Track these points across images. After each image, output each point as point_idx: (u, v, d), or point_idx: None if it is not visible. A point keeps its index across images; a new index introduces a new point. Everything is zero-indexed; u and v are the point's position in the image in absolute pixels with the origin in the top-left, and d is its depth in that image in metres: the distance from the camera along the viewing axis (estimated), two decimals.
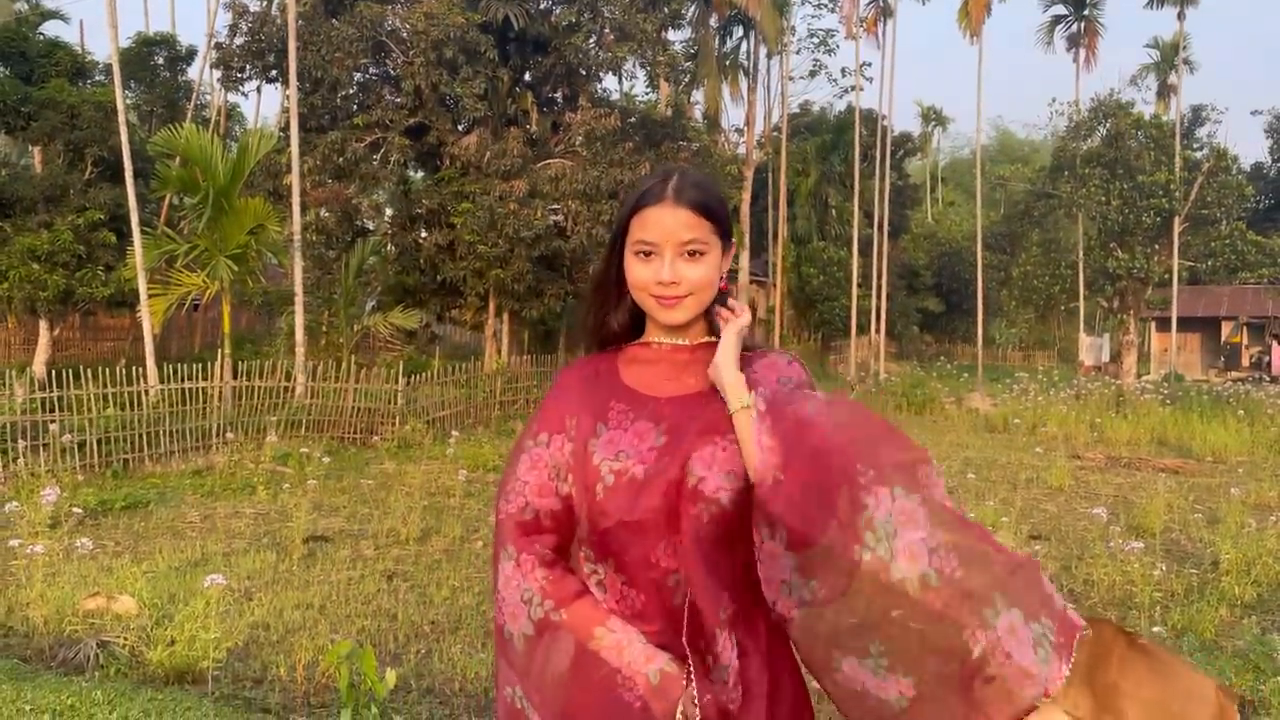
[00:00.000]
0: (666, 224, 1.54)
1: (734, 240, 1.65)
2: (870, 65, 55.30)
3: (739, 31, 33.33)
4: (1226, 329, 36.72)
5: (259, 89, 34.53)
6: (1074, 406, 18.35)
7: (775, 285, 32.86)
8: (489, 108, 19.13)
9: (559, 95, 21.23)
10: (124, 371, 11.11)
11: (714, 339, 1.64)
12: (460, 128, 19.92)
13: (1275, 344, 34.03)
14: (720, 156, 26.88)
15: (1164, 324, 33.13)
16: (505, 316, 20.24)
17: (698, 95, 33.09)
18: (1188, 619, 5.43)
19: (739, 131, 35.87)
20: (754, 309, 34.30)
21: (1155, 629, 5.18)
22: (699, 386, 1.59)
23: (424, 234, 19.77)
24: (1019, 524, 7.98)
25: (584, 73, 20.37)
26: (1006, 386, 22.30)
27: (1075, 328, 33.88)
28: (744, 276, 31.37)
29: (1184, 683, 1.95)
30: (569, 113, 19.95)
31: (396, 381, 13.40)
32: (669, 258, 1.55)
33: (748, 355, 1.62)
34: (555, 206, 18.59)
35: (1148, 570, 5.89)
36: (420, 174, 22.33)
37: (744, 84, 34.03)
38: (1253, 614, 5.70)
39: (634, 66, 21.53)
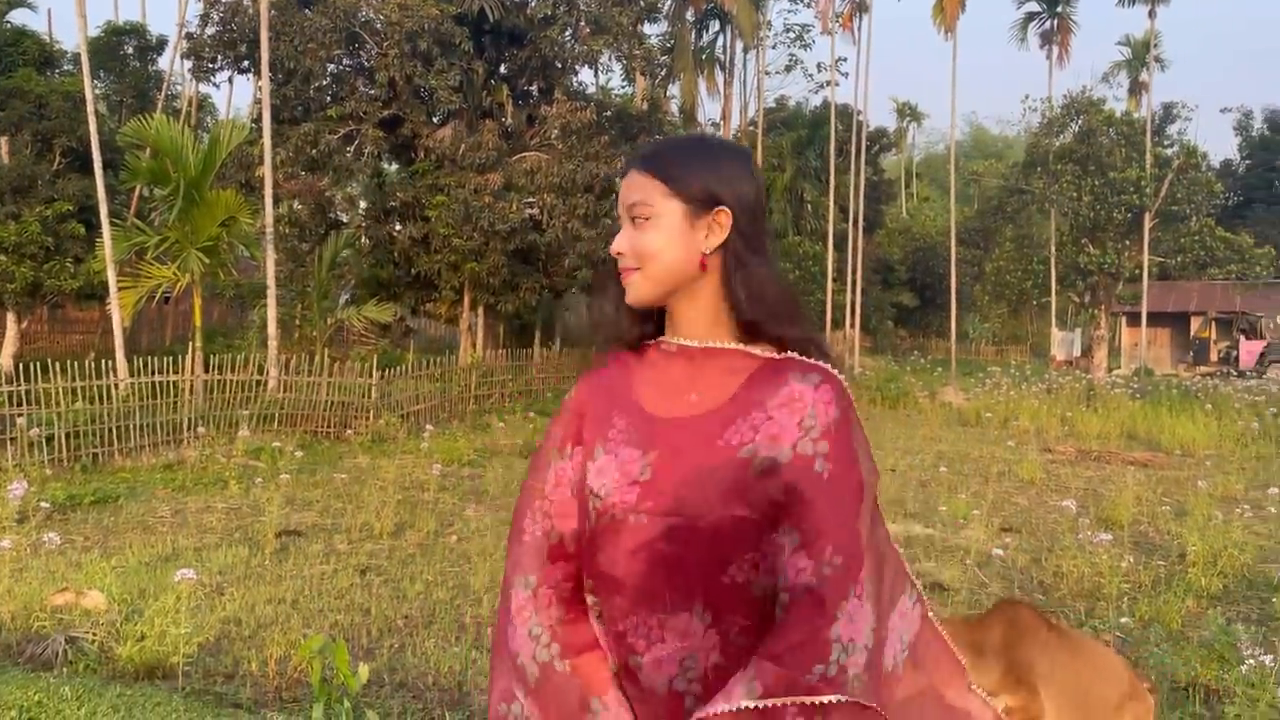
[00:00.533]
0: (622, 192, 1.38)
1: (725, 205, 1.34)
2: (846, 60, 55.65)
3: (715, 25, 33.38)
4: (1195, 324, 37.21)
5: (231, 80, 34.15)
6: (1045, 400, 18.53)
7: None
8: (464, 100, 19.04)
9: (534, 88, 21.16)
10: (93, 365, 10.98)
11: (733, 345, 1.37)
12: (435, 120, 19.82)
13: (1243, 339, 34.51)
14: None
15: (1134, 319, 33.53)
16: (480, 310, 20.17)
17: (674, 89, 33.10)
18: (1155, 610, 5.50)
19: (715, 125, 35.90)
20: None
21: (1123, 620, 5.25)
22: (704, 406, 1.34)
23: (398, 227, 19.66)
24: (990, 517, 8.07)
25: (560, 66, 20.32)
26: (979, 380, 22.51)
27: (1047, 322, 34.22)
28: None
29: (1098, 662, 2.12)
30: (544, 106, 19.89)
31: (370, 375, 13.32)
32: (625, 228, 1.37)
33: (762, 366, 1.35)
34: (531, 200, 18.53)
35: (1116, 562, 5.97)
36: (394, 166, 22.20)
37: (720, 78, 34.10)
38: (1218, 604, 5.79)
39: (610, 60, 21.52)
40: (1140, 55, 37.14)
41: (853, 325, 29.69)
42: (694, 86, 32.72)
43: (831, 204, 30.55)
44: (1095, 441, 14.35)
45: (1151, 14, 32.45)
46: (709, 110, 66.62)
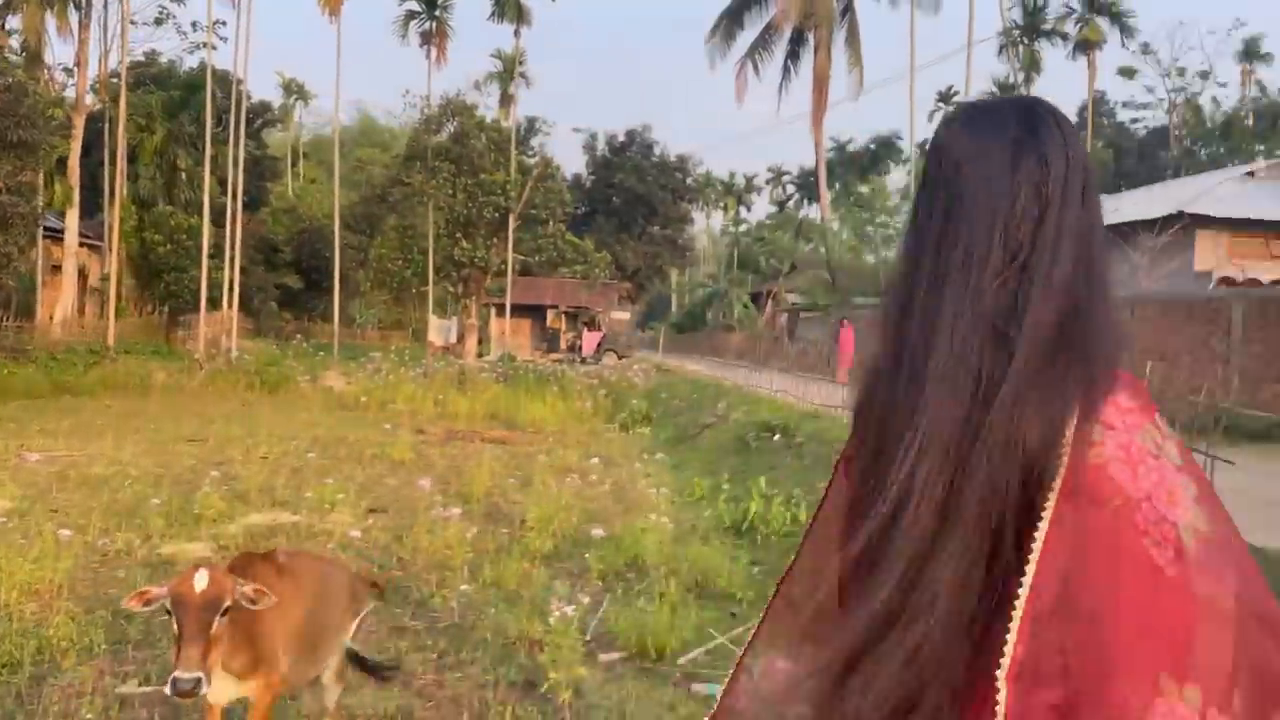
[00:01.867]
0: None
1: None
2: (225, 25, 51.88)
3: None
4: (550, 316, 42.50)
5: None
6: (422, 384, 19.54)
7: (112, 250, 29.34)
8: None
9: None
10: None
11: None
12: None
13: (585, 330, 40.41)
14: (43, 97, 23.12)
15: (502, 310, 36.97)
16: None
17: (15, 22, 28.15)
18: (496, 574, 6.09)
19: (68, 71, 31.33)
20: (85, 276, 30.29)
21: (464, 586, 5.75)
22: None
23: None
24: (359, 499, 8.24)
25: None
26: (362, 365, 22.90)
27: (427, 310, 36.08)
28: (72, 238, 27.52)
29: (322, 576, 3.42)
30: None
31: None
32: None
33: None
34: None
35: (464, 534, 6.50)
36: None
37: (75, 18, 29.71)
38: (549, 563, 6.60)
39: None
40: (510, 70, 40.90)
41: (231, 306, 28.12)
42: (40, 23, 28.06)
43: (208, 175, 28.54)
44: (463, 422, 15.52)
45: (516, 33, 35.97)
46: (59, 53, 57.86)
